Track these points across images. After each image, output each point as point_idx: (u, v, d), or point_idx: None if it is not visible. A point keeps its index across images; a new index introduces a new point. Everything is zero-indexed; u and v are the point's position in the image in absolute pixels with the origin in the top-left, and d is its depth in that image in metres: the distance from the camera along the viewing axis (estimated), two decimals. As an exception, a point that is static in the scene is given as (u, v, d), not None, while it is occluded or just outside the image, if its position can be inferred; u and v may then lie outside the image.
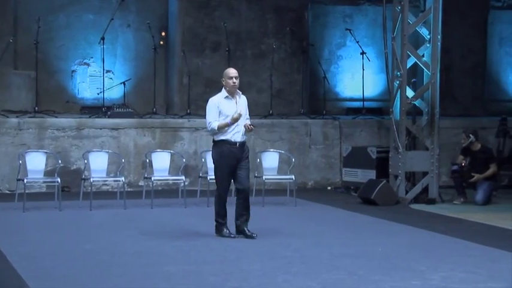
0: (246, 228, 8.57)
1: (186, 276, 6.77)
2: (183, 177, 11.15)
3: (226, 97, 8.59)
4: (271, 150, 11.92)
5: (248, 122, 8.63)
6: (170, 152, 11.46)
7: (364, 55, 14.18)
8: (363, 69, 14.15)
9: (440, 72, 11.60)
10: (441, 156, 11.85)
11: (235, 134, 8.55)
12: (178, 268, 7.07)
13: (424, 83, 11.71)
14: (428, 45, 11.64)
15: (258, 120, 13.05)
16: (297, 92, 14.50)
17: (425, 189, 11.61)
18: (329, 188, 13.30)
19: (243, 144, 8.61)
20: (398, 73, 11.54)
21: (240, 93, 8.67)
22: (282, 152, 12.08)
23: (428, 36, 11.62)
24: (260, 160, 11.36)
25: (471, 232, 9.24)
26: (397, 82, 11.62)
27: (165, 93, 14.68)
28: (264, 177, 11.19)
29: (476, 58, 15.75)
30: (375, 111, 14.54)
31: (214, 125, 8.49)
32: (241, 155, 8.56)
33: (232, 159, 8.53)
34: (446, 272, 6.96)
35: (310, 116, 13.90)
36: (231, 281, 6.62)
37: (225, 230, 8.62)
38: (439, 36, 11.50)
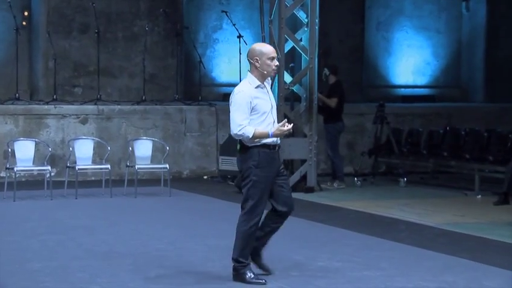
0: (262, 260, 6.53)
1: (52, 273, 6.55)
2: (49, 168, 10.95)
3: (258, 86, 6.21)
4: (144, 138, 11.83)
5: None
6: (35, 141, 11.19)
7: (241, 38, 14.05)
8: (240, 54, 14.04)
9: (318, 56, 11.67)
10: (319, 143, 11.94)
11: None
12: (42, 265, 6.85)
13: (302, 68, 11.73)
14: (306, 29, 11.64)
15: (131, 107, 13.15)
16: (171, 77, 14.33)
17: (304, 178, 11.61)
18: (205, 177, 13.21)
19: (279, 148, 6.38)
20: (276, 57, 11.40)
21: (269, 78, 6.37)
22: (156, 139, 12.00)
23: (306, 20, 11.61)
24: (132, 148, 11.29)
25: (349, 220, 9.38)
26: (275, 67, 11.49)
27: (28, 78, 14.32)
28: (136, 166, 11.12)
29: (354, 42, 16.08)
30: (252, 97, 14.45)
31: (249, 131, 6.07)
32: (280, 164, 6.37)
33: (273, 171, 6.23)
34: (324, 262, 7.02)
35: (185, 102, 13.79)
36: (100, 276, 6.47)
37: (248, 274, 6.26)
38: (316, 20, 11.50)
